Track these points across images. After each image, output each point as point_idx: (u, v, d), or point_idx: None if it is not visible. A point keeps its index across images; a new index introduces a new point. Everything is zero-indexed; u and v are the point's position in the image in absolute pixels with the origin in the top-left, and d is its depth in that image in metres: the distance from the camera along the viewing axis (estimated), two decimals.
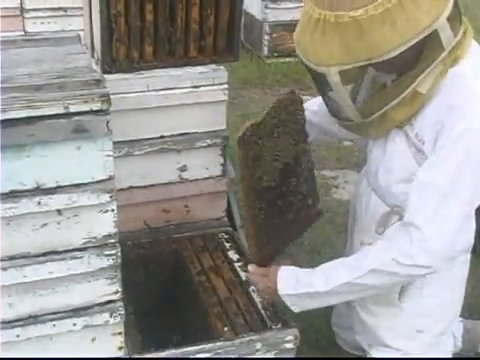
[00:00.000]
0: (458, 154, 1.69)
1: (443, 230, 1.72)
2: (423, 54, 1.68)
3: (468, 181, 1.70)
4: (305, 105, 2.06)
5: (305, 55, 1.73)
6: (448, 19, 1.64)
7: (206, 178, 2.39)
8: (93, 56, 2.19)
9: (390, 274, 1.78)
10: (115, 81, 2.12)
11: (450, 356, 2.23)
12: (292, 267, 1.96)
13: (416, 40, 1.61)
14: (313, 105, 2.17)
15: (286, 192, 1.97)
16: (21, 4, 4.11)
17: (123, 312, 1.74)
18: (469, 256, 2.03)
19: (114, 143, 1.58)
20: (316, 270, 1.90)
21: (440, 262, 1.78)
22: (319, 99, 2.07)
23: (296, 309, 1.93)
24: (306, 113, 2.06)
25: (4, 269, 1.59)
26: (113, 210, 1.63)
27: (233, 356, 1.90)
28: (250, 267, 2.02)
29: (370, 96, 1.83)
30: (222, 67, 2.29)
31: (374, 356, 2.15)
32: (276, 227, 1.97)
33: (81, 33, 1.98)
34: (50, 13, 4.12)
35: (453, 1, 1.66)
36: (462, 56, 1.72)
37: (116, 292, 1.72)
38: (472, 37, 1.76)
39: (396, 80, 1.76)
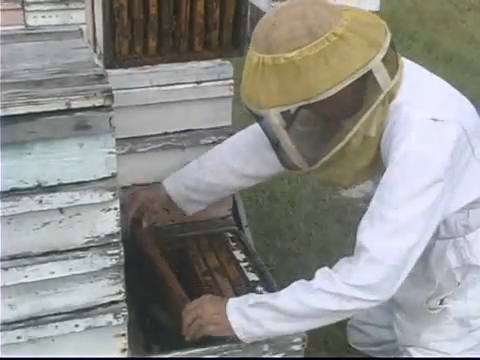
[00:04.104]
0: (403, 180, 1.70)
1: None
2: (364, 97, 1.71)
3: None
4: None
5: (248, 99, 1.75)
6: (383, 61, 1.67)
7: None
8: (95, 51, 2.16)
9: None
10: (118, 76, 2.09)
11: None
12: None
13: (351, 81, 1.65)
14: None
15: None
16: None
17: (126, 313, 1.71)
18: None
19: (117, 140, 1.55)
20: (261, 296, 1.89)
21: None
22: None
23: (243, 336, 1.82)
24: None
25: (5, 269, 1.56)
26: (116, 208, 1.59)
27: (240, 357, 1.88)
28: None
29: (316, 143, 1.82)
30: (228, 62, 2.27)
31: (414, 356, 2.11)
32: None
33: (83, 27, 1.96)
34: (51, 6, 4.06)
35: (389, 43, 1.69)
36: (397, 91, 1.75)
37: (119, 293, 1.69)
38: (403, 69, 1.77)
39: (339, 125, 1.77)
